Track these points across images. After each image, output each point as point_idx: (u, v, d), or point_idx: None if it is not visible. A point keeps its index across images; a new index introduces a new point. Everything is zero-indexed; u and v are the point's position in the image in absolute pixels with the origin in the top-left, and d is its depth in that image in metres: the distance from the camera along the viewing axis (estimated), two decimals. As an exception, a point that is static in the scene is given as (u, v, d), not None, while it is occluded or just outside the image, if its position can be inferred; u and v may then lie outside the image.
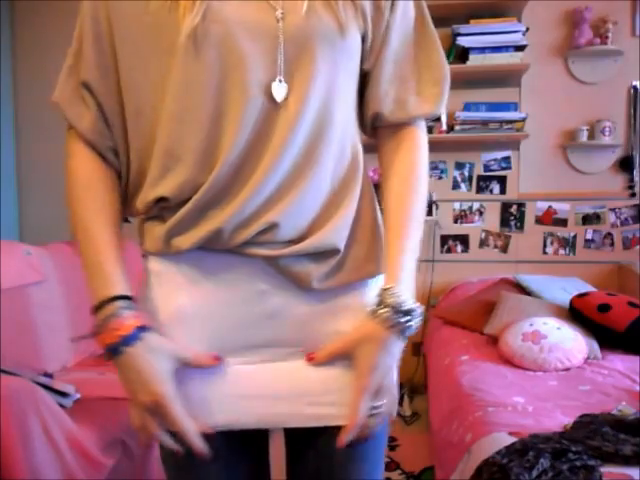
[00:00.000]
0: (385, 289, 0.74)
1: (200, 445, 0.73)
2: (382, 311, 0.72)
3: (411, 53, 0.79)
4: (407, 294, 0.74)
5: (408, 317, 0.73)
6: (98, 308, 0.73)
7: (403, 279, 0.75)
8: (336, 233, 0.75)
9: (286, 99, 0.70)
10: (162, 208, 0.75)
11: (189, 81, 0.69)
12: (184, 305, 0.75)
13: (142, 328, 0.72)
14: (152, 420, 0.74)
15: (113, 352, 0.71)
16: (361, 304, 0.77)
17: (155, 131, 0.72)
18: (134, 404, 0.74)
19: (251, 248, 0.72)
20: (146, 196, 0.75)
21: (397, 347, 0.74)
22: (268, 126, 0.70)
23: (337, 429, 0.75)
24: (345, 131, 0.76)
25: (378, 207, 0.83)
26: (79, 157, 0.80)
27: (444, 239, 3.14)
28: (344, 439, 0.74)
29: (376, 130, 0.83)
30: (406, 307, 0.73)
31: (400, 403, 2.89)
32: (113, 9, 0.72)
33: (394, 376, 0.76)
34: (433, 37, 0.80)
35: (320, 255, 0.75)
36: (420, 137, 0.84)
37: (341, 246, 0.75)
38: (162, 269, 0.78)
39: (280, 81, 0.70)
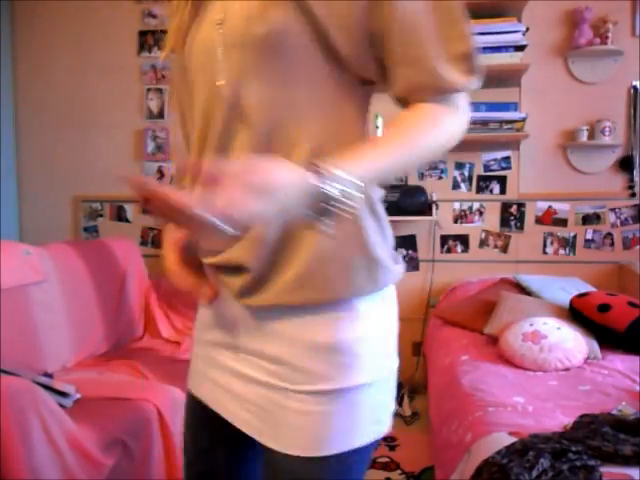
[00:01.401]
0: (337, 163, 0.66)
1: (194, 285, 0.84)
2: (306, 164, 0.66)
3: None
4: (350, 167, 0.66)
5: (331, 181, 0.63)
6: None
7: (352, 157, 0.68)
8: (243, 250, 0.74)
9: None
10: None
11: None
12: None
13: None
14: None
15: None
16: (295, 333, 0.75)
17: None
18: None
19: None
20: None
21: (294, 175, 0.64)
22: None
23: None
24: (273, 122, 0.72)
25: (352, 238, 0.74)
26: None
27: (444, 239, 3.14)
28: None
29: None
30: (336, 171, 0.64)
31: (400, 403, 2.89)
32: None
33: (260, 186, 0.61)
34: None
35: (235, 269, 0.75)
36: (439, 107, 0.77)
37: (249, 263, 0.73)
38: None
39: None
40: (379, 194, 0.79)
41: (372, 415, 0.79)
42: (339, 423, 0.75)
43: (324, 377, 0.75)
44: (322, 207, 0.64)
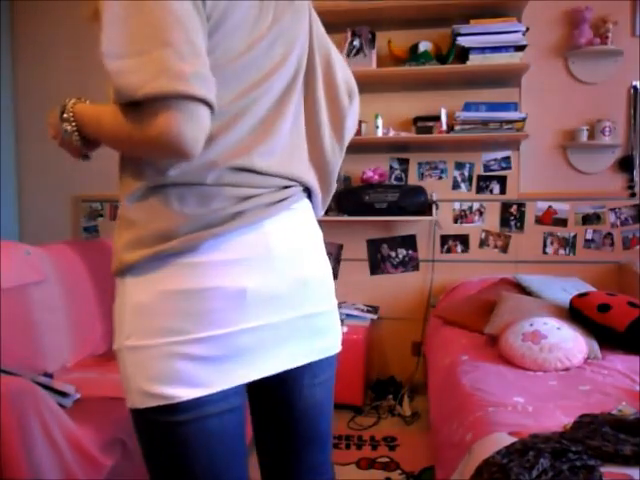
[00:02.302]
0: None
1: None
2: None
3: None
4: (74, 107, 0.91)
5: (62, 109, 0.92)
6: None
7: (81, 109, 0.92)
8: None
9: None
10: None
11: None
12: None
13: None
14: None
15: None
16: None
17: None
18: None
19: None
20: None
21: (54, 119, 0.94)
22: None
23: None
24: None
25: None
26: None
27: (444, 239, 3.14)
28: None
29: None
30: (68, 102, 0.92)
31: (400, 403, 2.89)
32: None
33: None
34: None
35: None
36: None
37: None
38: None
39: None
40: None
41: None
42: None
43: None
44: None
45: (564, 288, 2.60)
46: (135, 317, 0.87)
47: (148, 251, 0.85)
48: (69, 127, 0.91)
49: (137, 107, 0.75)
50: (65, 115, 0.91)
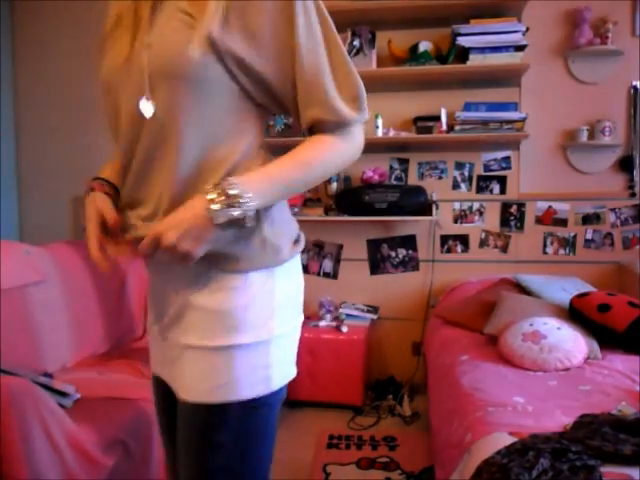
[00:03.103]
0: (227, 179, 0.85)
1: (98, 258, 0.95)
2: (209, 187, 0.84)
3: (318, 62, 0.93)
4: (245, 187, 0.84)
5: (230, 199, 0.83)
6: (94, 179, 1.02)
7: (250, 176, 0.87)
8: None
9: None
10: None
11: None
12: None
13: (93, 189, 1.00)
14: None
15: (86, 193, 1.00)
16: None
17: None
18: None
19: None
20: None
21: (205, 213, 0.83)
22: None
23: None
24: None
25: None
26: None
27: (444, 239, 3.14)
28: (140, 248, 0.87)
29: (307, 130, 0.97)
30: (233, 191, 0.83)
31: (400, 403, 2.89)
32: None
33: (192, 227, 0.84)
34: (337, 42, 0.94)
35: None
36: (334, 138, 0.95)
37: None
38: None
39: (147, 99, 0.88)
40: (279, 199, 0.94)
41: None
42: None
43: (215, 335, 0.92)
44: (230, 220, 0.84)
45: (564, 288, 2.60)
46: (284, 307, 0.96)
47: (297, 248, 0.99)
48: (250, 212, 0.85)
49: (345, 130, 0.94)
50: (240, 203, 0.84)
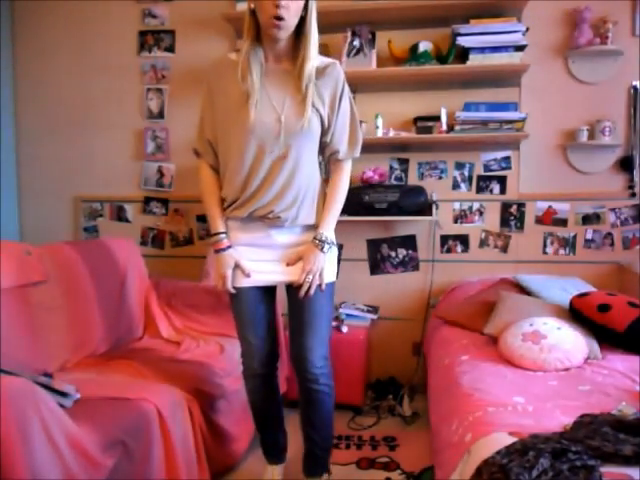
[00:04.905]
0: (320, 231, 1.82)
1: (231, 290, 1.87)
2: (316, 240, 1.81)
3: (347, 124, 1.84)
4: (328, 234, 1.83)
5: (327, 244, 1.82)
6: (214, 235, 1.85)
7: (327, 228, 1.83)
8: (287, 209, 1.81)
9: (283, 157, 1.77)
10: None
11: (242, 149, 1.75)
12: (239, 237, 1.87)
13: (229, 247, 1.84)
14: (221, 280, 1.86)
15: (217, 252, 1.84)
16: (308, 237, 1.84)
17: (227, 164, 1.81)
18: (217, 275, 1.87)
19: (262, 217, 1.82)
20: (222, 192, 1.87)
21: (322, 254, 1.81)
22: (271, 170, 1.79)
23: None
24: (310, 167, 1.82)
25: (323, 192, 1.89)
26: (205, 171, 1.88)
27: (444, 239, 3.14)
28: (301, 292, 1.80)
29: (330, 161, 1.89)
30: (327, 240, 1.82)
31: (400, 403, 2.89)
32: (215, 100, 1.79)
33: (321, 265, 1.81)
34: (356, 116, 1.86)
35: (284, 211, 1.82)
36: (347, 167, 1.89)
37: (289, 214, 1.81)
38: (232, 224, 1.87)
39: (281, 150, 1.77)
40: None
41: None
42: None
43: None
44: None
45: (564, 288, 2.60)
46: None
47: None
48: (331, 245, 1.87)
49: (346, 163, 1.89)
50: (330, 242, 1.85)
